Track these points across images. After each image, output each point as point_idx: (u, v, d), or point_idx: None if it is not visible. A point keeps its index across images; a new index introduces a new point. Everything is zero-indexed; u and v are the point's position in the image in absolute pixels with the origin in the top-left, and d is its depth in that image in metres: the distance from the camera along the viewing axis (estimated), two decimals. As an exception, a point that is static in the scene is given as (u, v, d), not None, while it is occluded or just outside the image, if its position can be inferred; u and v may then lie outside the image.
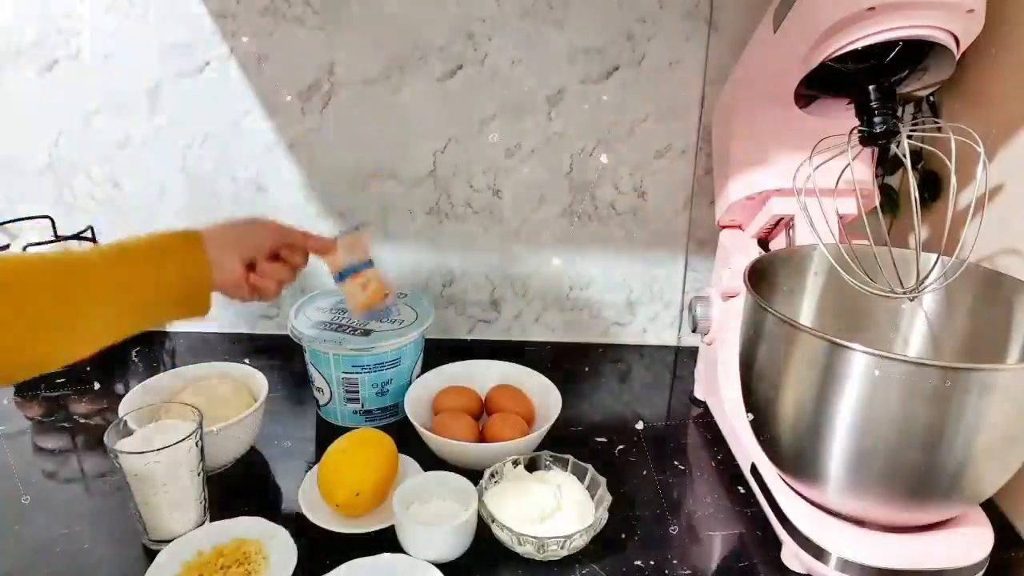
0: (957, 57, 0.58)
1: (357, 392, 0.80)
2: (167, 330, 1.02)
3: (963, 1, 0.54)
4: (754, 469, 0.69)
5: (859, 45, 0.57)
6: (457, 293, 1.00)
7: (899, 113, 0.60)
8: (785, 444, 0.60)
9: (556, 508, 0.65)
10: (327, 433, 0.80)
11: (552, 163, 0.93)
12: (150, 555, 0.63)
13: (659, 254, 0.98)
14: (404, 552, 0.61)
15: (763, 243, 0.82)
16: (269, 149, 0.93)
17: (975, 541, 0.58)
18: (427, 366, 0.84)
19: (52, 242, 0.89)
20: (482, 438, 0.75)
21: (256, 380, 0.77)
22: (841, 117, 0.63)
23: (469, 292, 1.00)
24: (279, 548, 0.61)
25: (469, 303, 1.01)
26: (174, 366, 0.84)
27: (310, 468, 0.71)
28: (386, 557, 0.60)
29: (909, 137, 0.59)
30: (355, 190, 0.95)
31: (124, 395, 0.74)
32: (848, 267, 0.63)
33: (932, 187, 0.80)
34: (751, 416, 0.63)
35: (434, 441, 0.72)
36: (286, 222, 0.71)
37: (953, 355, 0.66)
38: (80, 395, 0.87)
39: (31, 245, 0.86)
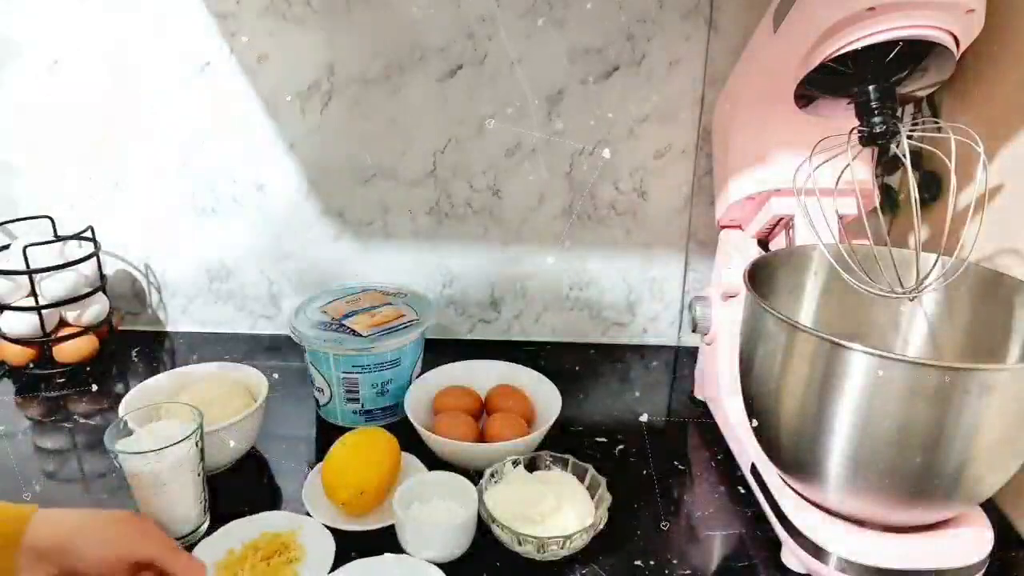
0: (957, 57, 0.58)
1: (357, 392, 0.80)
2: (167, 330, 1.03)
3: (963, 1, 0.54)
4: (754, 469, 0.69)
5: (859, 45, 0.57)
6: (457, 293, 1.00)
7: (899, 113, 0.60)
8: (785, 444, 0.60)
9: (556, 508, 0.65)
10: (327, 433, 0.80)
11: (552, 163, 0.93)
12: (150, 555, 0.63)
13: (659, 254, 0.98)
14: (405, 552, 0.61)
15: (763, 243, 0.82)
16: (269, 149, 0.93)
17: (975, 541, 0.58)
18: (427, 366, 0.84)
19: (52, 242, 0.89)
20: (482, 438, 0.75)
21: (256, 380, 0.77)
22: (841, 117, 0.63)
23: (469, 292, 1.00)
24: (313, 536, 0.62)
25: (469, 303, 1.01)
26: (174, 366, 0.84)
27: (310, 468, 0.71)
28: (387, 557, 0.60)
29: (909, 137, 0.59)
30: (355, 190, 0.95)
31: (124, 395, 0.73)
32: (848, 267, 0.63)
33: (932, 187, 0.80)
34: (754, 421, 0.63)
35: (434, 441, 0.72)
36: (157, 535, 0.55)
37: (953, 355, 0.66)
38: (80, 395, 0.87)
39: (31, 245, 0.85)
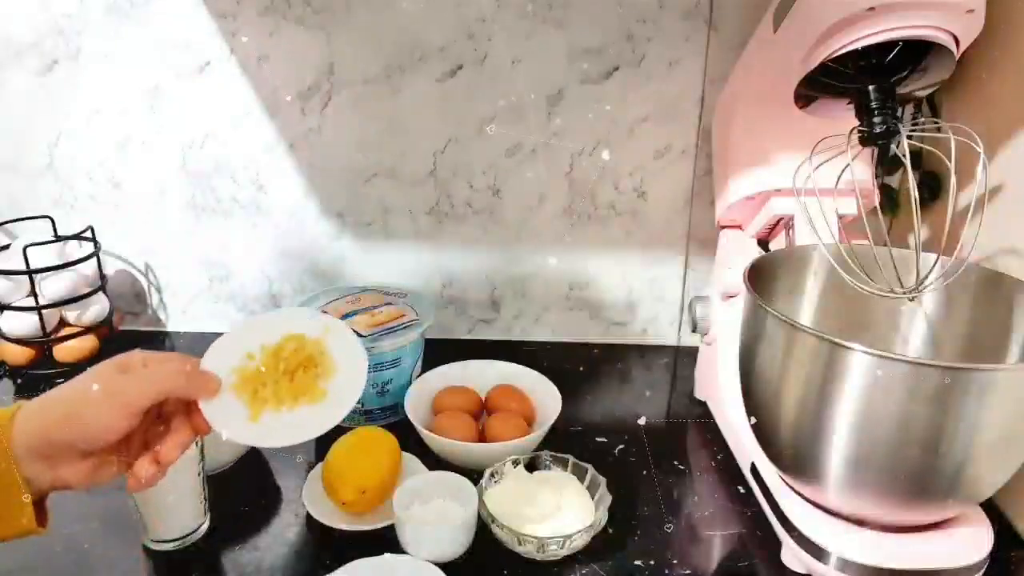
0: (957, 57, 0.58)
1: (357, 392, 0.80)
2: (167, 330, 1.03)
3: (963, 1, 0.54)
4: (754, 469, 0.69)
5: (859, 45, 0.57)
6: (457, 293, 1.00)
7: (899, 113, 0.60)
8: (785, 444, 0.60)
9: (556, 508, 0.65)
10: (327, 433, 0.79)
11: (552, 163, 0.93)
12: (150, 555, 0.63)
13: (659, 254, 0.98)
14: (405, 552, 0.61)
15: (763, 243, 0.82)
16: (269, 149, 0.93)
17: (975, 541, 0.58)
18: (427, 366, 0.84)
19: (52, 242, 0.89)
20: (482, 438, 0.75)
21: (256, 380, 0.77)
22: (841, 117, 0.63)
23: (469, 292, 1.00)
24: (341, 343, 0.55)
25: (469, 303, 1.01)
26: (174, 366, 0.84)
27: (310, 468, 0.71)
28: (387, 557, 0.60)
29: (909, 137, 0.59)
30: (355, 190, 0.95)
31: (124, 395, 0.73)
32: (848, 267, 0.63)
33: (932, 187, 0.80)
34: (752, 419, 0.63)
35: (434, 441, 0.72)
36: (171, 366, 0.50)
37: (953, 355, 0.66)
38: (80, 395, 0.87)
39: (31, 245, 0.85)
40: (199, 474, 0.64)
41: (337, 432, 0.72)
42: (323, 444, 0.70)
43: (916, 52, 0.58)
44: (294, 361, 0.53)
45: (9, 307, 0.89)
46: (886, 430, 0.52)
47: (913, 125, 0.69)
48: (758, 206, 0.78)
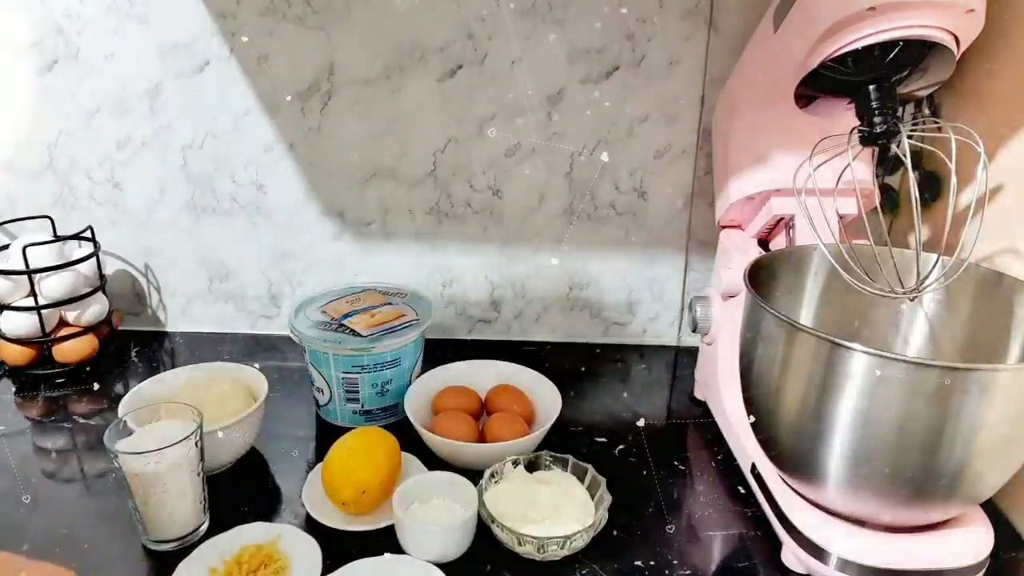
0: (957, 57, 0.58)
1: (357, 392, 0.80)
2: (166, 330, 1.03)
3: (963, 1, 0.54)
4: (754, 469, 0.69)
5: (859, 45, 0.57)
6: (457, 293, 1.00)
7: (899, 113, 0.60)
8: (785, 444, 0.60)
9: (556, 508, 0.65)
10: (327, 433, 0.80)
11: (552, 163, 0.93)
12: (150, 555, 0.63)
13: (659, 254, 0.98)
14: (405, 552, 0.61)
15: (763, 243, 0.82)
16: (269, 149, 0.93)
17: (975, 541, 0.58)
18: (427, 366, 0.84)
19: (52, 242, 0.89)
20: (482, 438, 0.75)
21: (256, 380, 0.77)
22: (841, 117, 0.64)
23: (469, 292, 1.00)
24: (294, 542, 0.61)
25: (469, 303, 1.01)
26: (174, 366, 0.84)
27: (310, 468, 0.71)
28: (387, 557, 0.60)
29: (909, 137, 0.59)
30: (355, 190, 0.95)
31: (124, 395, 0.74)
32: (848, 267, 0.63)
33: (932, 187, 0.80)
34: (752, 417, 0.63)
35: (434, 441, 0.72)
36: None
37: (953, 355, 0.66)
38: (80, 395, 0.87)
39: (31, 245, 0.85)
40: (199, 474, 0.64)
41: (337, 432, 0.72)
42: (323, 444, 0.70)
43: (916, 52, 0.58)
44: (254, 562, 0.60)
45: (9, 307, 0.89)
46: (886, 430, 0.52)
47: (913, 125, 0.69)
48: (758, 206, 0.78)
